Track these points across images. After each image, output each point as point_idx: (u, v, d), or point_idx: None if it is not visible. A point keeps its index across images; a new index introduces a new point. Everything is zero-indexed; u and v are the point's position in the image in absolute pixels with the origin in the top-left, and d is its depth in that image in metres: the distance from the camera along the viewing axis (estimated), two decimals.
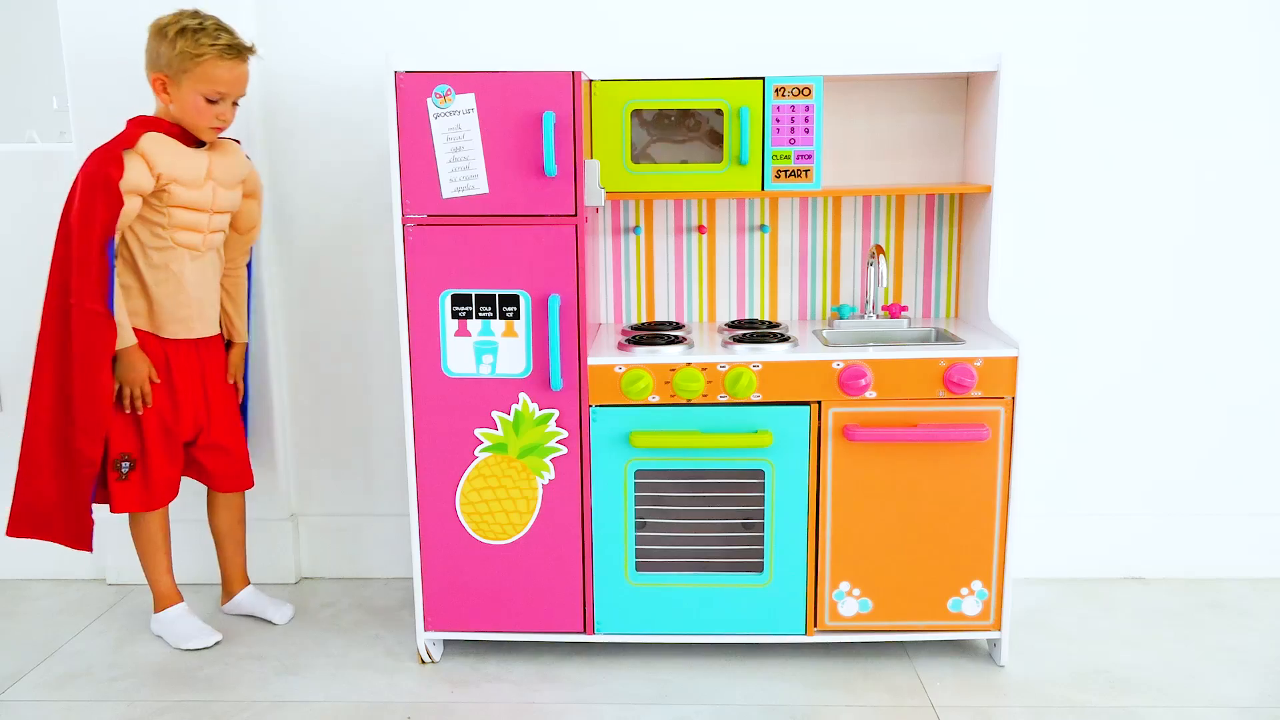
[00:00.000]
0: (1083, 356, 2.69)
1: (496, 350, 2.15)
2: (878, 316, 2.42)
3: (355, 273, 2.68)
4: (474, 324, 2.14)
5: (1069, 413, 2.75)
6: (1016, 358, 2.14)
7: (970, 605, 2.26)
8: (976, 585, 2.24)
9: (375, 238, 2.65)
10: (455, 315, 2.14)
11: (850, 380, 2.13)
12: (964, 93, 2.47)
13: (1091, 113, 2.55)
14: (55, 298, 2.32)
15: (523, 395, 2.16)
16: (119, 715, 2.24)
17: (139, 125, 2.32)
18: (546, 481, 2.21)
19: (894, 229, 2.52)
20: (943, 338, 2.34)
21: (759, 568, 2.24)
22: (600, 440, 2.18)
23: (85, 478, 2.34)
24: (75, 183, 2.27)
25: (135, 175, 2.26)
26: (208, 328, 2.46)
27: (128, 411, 2.37)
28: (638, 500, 2.21)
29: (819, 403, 2.15)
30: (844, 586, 2.25)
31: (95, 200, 2.25)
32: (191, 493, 2.63)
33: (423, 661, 2.33)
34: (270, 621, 2.62)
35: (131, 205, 2.27)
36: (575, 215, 2.09)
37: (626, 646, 2.42)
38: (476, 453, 2.20)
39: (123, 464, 2.39)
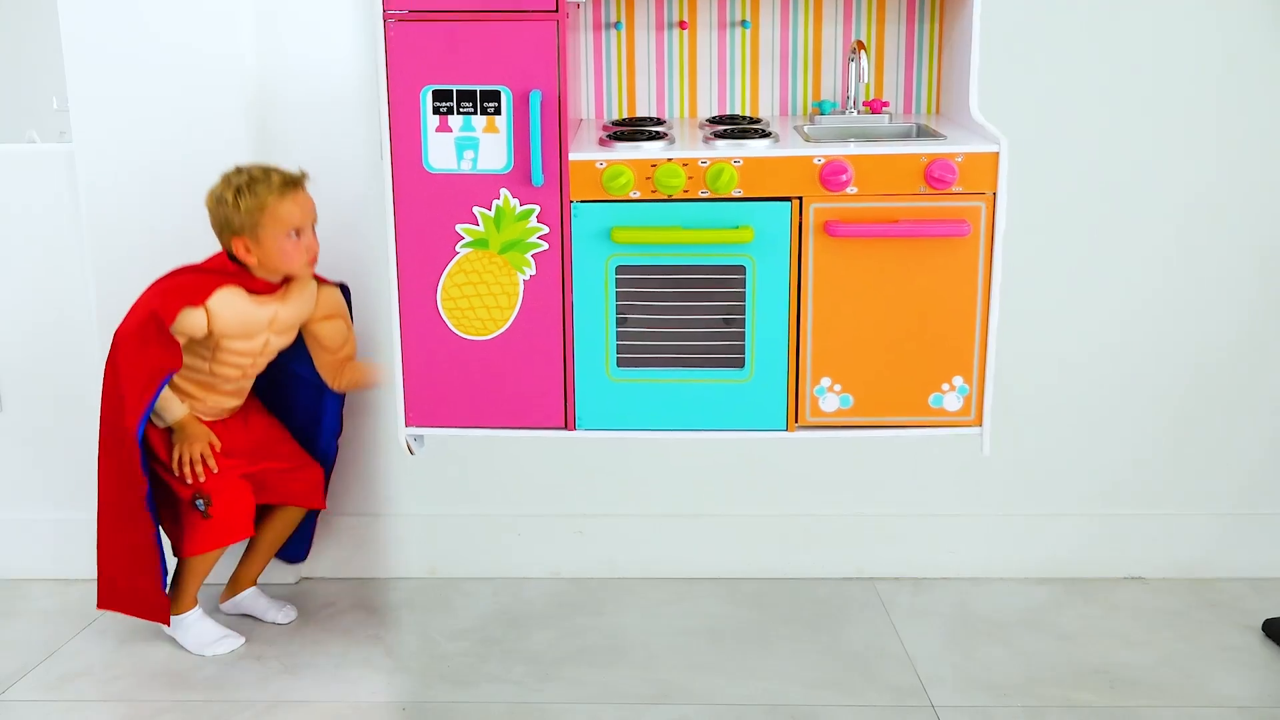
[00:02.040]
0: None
1: (478, 146, 2.12)
2: (859, 112, 2.39)
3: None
4: (455, 120, 2.11)
5: (1069, 409, 2.74)
6: (997, 153, 2.11)
7: (951, 401, 2.24)
8: (958, 381, 2.23)
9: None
10: (436, 111, 2.11)
11: (831, 176, 2.10)
12: None
13: None
14: (105, 408, 2.42)
15: (504, 191, 2.14)
16: (119, 715, 2.26)
17: (219, 272, 2.37)
18: (528, 277, 2.18)
19: (875, 24, 2.47)
20: (924, 133, 2.31)
21: (740, 363, 2.22)
22: (581, 236, 2.16)
23: (153, 563, 2.44)
24: (137, 302, 2.36)
25: (188, 327, 2.34)
26: (210, 416, 2.56)
27: (191, 477, 2.42)
28: (619, 296, 2.19)
29: (800, 199, 2.13)
30: (825, 382, 2.23)
31: (147, 337, 2.34)
32: None
33: (410, 451, 2.30)
34: (272, 623, 2.63)
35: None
36: (556, 11, 2.06)
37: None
38: (457, 249, 2.17)
39: (198, 501, 2.42)
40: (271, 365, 2.59)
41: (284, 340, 2.52)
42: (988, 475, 2.88)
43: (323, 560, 2.93)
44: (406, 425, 2.28)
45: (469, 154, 2.12)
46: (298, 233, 2.38)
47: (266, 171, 2.37)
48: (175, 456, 2.44)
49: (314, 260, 2.44)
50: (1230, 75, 2.61)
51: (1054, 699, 2.28)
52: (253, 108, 2.63)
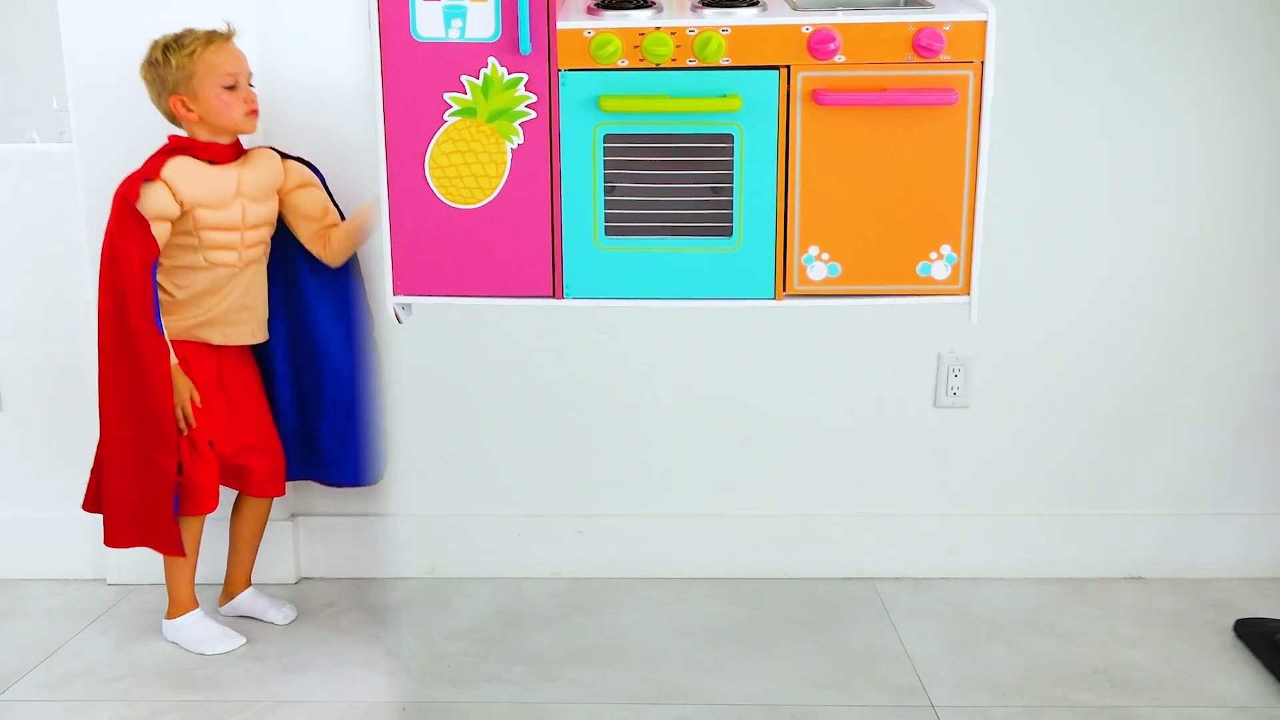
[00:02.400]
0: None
1: (465, 14, 2.08)
2: None
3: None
4: None
5: (1069, 408, 2.74)
6: (985, 21, 2.06)
7: (939, 269, 2.17)
8: (945, 249, 2.15)
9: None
10: None
11: (819, 45, 2.06)
12: None
13: None
14: (106, 319, 2.41)
15: (491, 59, 2.09)
16: (119, 715, 2.25)
17: (166, 151, 2.38)
18: (515, 146, 2.13)
19: None
20: (911, 2, 2.24)
21: (728, 232, 2.16)
22: (569, 105, 2.11)
23: (166, 488, 2.38)
24: (111, 209, 2.38)
25: (157, 204, 2.32)
26: (239, 338, 2.53)
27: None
28: (606, 165, 2.13)
29: (788, 67, 2.08)
30: (813, 251, 2.16)
31: (125, 226, 2.34)
32: None
33: (399, 320, 2.23)
34: (272, 623, 2.63)
35: (159, 230, 2.32)
36: None
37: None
38: (445, 117, 2.12)
39: None
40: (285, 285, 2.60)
41: (263, 210, 2.49)
42: (987, 475, 2.87)
43: (323, 560, 2.93)
44: (395, 294, 2.19)
45: (457, 22, 2.08)
46: (234, 86, 2.41)
47: (191, 29, 2.41)
48: None
49: (254, 112, 2.45)
50: None
51: (1054, 699, 2.27)
52: None
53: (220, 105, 2.39)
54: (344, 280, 2.64)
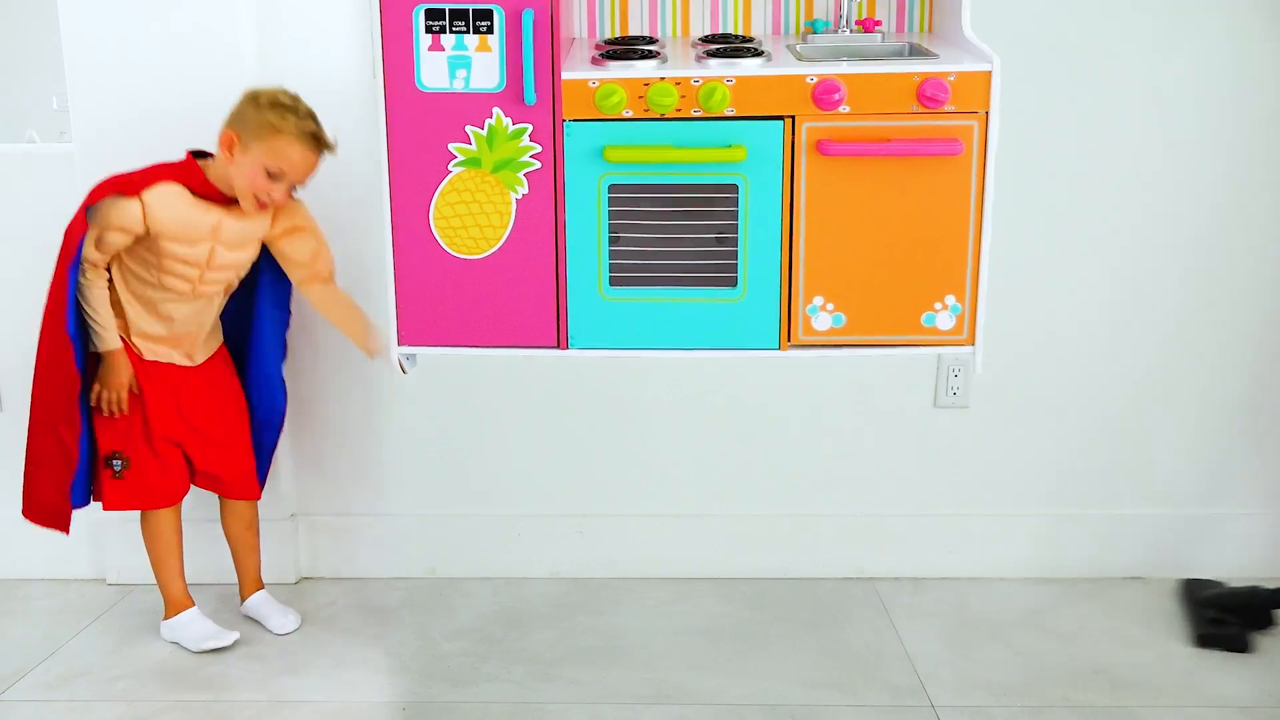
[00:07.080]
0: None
1: (470, 65, 2.10)
2: (851, 31, 2.36)
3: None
4: (448, 39, 2.09)
5: (1070, 410, 2.74)
6: (990, 72, 2.08)
7: (944, 320, 2.19)
8: (950, 300, 2.18)
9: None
10: (429, 30, 2.08)
11: (823, 95, 2.07)
12: None
13: None
14: (48, 303, 2.42)
15: (496, 110, 2.11)
16: (119, 715, 2.26)
17: (165, 172, 2.37)
18: (520, 196, 2.15)
19: None
20: (916, 52, 2.27)
21: (733, 282, 2.18)
22: (574, 155, 2.12)
23: (64, 465, 2.43)
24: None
25: (124, 217, 2.31)
26: (187, 359, 2.55)
27: (105, 414, 2.40)
28: (611, 215, 2.15)
29: (793, 117, 2.10)
30: (817, 301, 2.18)
31: (77, 225, 2.34)
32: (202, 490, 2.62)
33: (403, 371, 2.25)
34: (270, 630, 2.61)
35: (116, 239, 2.32)
36: None
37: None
38: (450, 167, 2.14)
39: (114, 461, 2.38)
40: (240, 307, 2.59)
41: (235, 256, 2.46)
42: (987, 475, 2.88)
43: (323, 560, 2.93)
44: (399, 344, 2.22)
45: (461, 73, 2.09)
46: (277, 178, 2.37)
47: (312, 114, 2.39)
48: (95, 391, 2.43)
49: (264, 206, 2.40)
50: None
51: (1054, 699, 2.28)
52: None
53: (248, 177, 2.35)
54: (285, 309, 2.66)
